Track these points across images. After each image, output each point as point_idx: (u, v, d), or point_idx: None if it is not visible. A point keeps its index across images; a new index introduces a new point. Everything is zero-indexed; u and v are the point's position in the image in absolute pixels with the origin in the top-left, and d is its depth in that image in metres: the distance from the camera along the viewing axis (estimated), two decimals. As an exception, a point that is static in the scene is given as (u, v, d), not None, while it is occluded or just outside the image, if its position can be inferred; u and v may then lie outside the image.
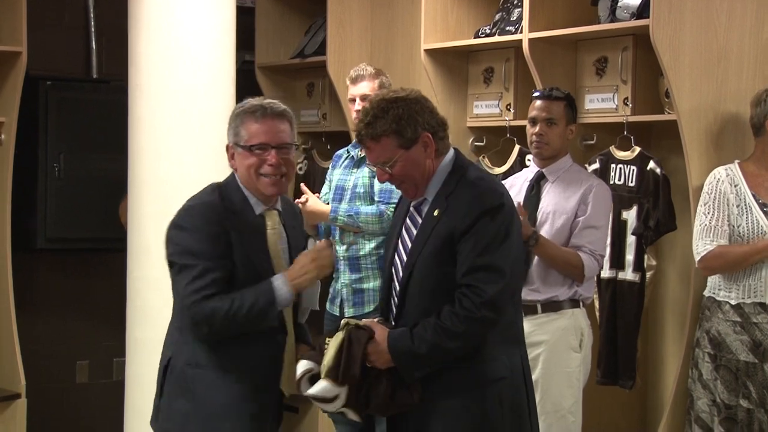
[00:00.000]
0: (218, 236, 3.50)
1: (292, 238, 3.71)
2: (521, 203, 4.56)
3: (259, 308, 3.47)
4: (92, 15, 6.98)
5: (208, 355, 3.54)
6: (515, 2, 5.62)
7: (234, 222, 3.54)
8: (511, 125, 5.64)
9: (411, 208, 3.59)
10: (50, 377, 6.63)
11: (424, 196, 3.54)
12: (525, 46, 5.34)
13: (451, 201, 3.47)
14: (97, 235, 6.59)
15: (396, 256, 3.58)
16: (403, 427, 3.51)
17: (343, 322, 3.54)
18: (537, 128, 4.70)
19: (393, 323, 3.53)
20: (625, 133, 5.13)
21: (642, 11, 4.94)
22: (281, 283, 3.50)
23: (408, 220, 3.60)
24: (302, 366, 3.51)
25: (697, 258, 4.62)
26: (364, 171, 5.25)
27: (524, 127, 4.91)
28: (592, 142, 5.34)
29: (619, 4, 5.07)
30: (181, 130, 5.47)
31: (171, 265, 3.58)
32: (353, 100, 5.32)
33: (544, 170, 4.73)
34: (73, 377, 6.83)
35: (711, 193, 4.63)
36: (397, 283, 3.55)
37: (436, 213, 3.49)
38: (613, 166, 5.14)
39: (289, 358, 3.61)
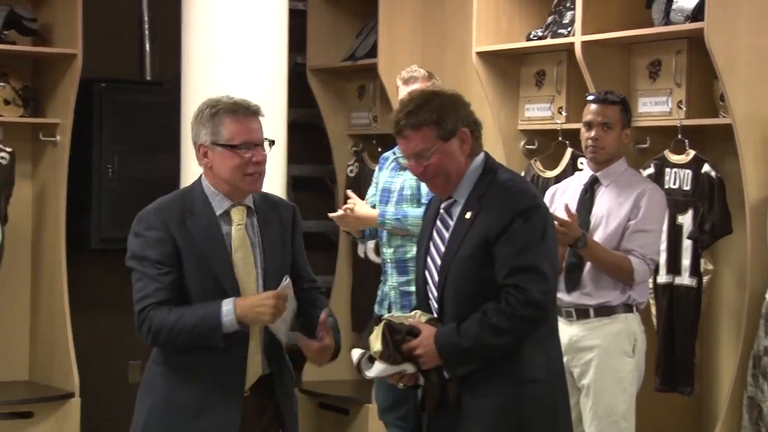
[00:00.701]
0: (163, 242, 3.52)
1: (266, 232, 3.66)
2: (567, 205, 4.53)
3: (203, 330, 3.47)
4: (146, 18, 7.06)
5: (170, 354, 3.58)
6: (568, 5, 5.64)
7: (186, 225, 3.55)
8: (563, 128, 5.64)
9: (441, 211, 3.58)
10: (103, 376, 6.68)
11: (453, 197, 3.54)
12: (577, 48, 5.35)
13: (483, 203, 3.47)
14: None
15: (429, 260, 3.57)
16: (436, 427, 3.52)
17: (386, 316, 3.57)
18: (593, 133, 4.66)
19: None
20: (680, 136, 5.09)
21: (696, 14, 4.94)
22: (229, 311, 3.47)
23: (439, 223, 3.57)
24: (356, 352, 3.51)
25: None
26: (411, 173, 5.23)
27: (576, 130, 4.91)
28: (645, 145, 5.34)
29: (674, 6, 5.06)
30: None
31: (129, 269, 3.61)
32: None
33: (598, 174, 4.69)
34: (125, 377, 6.88)
35: None
36: (433, 287, 3.55)
37: (468, 216, 3.48)
38: (667, 170, 5.13)
39: (252, 362, 3.60)
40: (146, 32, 7.07)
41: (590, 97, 4.79)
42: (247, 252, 3.61)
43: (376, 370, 3.45)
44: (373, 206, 5.37)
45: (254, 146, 3.57)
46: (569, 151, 5.55)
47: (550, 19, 5.75)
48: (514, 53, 5.93)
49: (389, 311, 5.27)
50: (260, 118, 3.64)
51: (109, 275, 6.81)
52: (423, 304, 3.60)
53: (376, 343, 3.44)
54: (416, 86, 5.23)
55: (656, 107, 5.26)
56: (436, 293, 3.53)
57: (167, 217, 3.55)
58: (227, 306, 3.46)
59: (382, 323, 3.46)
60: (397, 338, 3.42)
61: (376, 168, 5.61)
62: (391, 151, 5.50)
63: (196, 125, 3.63)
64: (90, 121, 6.58)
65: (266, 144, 3.62)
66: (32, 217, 6.50)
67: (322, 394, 6.67)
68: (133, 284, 3.55)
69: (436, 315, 3.52)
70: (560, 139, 5.64)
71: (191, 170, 5.48)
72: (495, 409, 3.41)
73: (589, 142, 4.68)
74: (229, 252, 3.57)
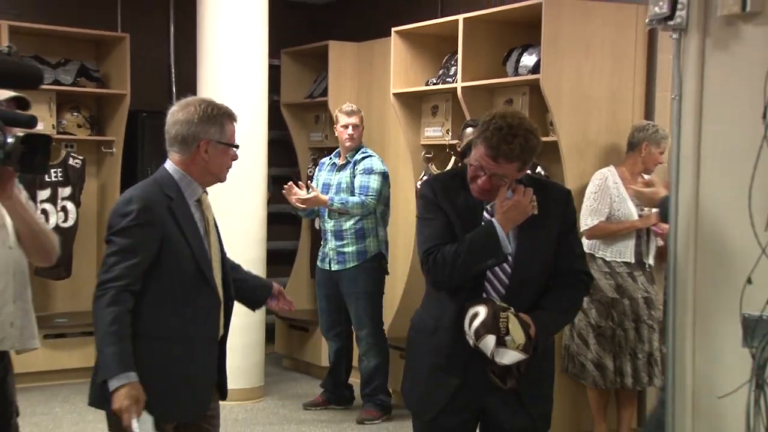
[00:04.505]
0: (151, 224, 2.88)
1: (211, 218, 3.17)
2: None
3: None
4: (173, 68, 7.18)
5: (150, 324, 2.91)
6: (452, 62, 5.71)
7: (170, 210, 2.92)
8: (449, 143, 5.77)
9: (486, 212, 2.95)
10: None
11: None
12: (459, 91, 5.46)
13: (539, 200, 2.90)
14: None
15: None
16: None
17: (500, 305, 2.90)
18: (469, 148, 4.86)
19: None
20: (523, 150, 5.31)
21: (535, 69, 5.08)
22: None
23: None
24: (491, 341, 2.83)
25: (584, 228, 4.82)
26: (346, 172, 5.55)
27: (458, 143, 4.99)
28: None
29: (520, 64, 5.22)
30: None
31: (107, 243, 2.93)
32: (346, 126, 5.53)
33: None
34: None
35: (600, 186, 4.78)
36: (504, 278, 2.93)
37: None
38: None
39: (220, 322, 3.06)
40: (173, 77, 7.15)
41: (466, 123, 4.93)
42: (215, 235, 3.06)
43: (512, 357, 2.86)
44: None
45: (237, 147, 3.11)
46: (453, 158, 5.66)
47: (441, 71, 5.84)
48: (418, 94, 6.00)
49: (329, 266, 5.50)
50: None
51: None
52: (476, 293, 2.93)
53: (519, 335, 2.86)
54: (355, 117, 5.49)
55: (509, 131, 5.43)
56: (507, 281, 2.92)
57: (158, 203, 2.91)
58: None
59: (510, 315, 2.87)
60: (530, 332, 2.90)
61: (316, 169, 5.80)
62: (328, 157, 5.74)
63: (200, 123, 2.95)
64: (135, 139, 6.68)
65: None
66: (96, 204, 6.63)
67: (291, 319, 6.73)
68: (110, 261, 2.84)
69: (500, 300, 2.94)
70: (447, 150, 5.81)
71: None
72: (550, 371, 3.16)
73: (468, 155, 4.90)
74: (202, 235, 2.99)
